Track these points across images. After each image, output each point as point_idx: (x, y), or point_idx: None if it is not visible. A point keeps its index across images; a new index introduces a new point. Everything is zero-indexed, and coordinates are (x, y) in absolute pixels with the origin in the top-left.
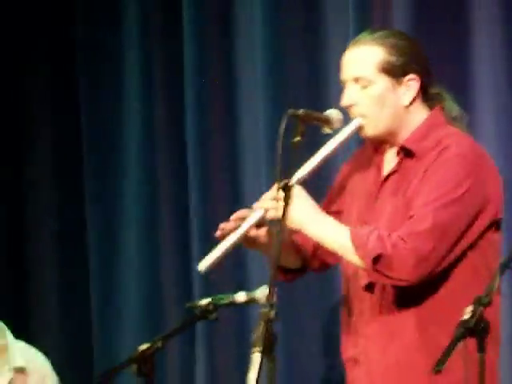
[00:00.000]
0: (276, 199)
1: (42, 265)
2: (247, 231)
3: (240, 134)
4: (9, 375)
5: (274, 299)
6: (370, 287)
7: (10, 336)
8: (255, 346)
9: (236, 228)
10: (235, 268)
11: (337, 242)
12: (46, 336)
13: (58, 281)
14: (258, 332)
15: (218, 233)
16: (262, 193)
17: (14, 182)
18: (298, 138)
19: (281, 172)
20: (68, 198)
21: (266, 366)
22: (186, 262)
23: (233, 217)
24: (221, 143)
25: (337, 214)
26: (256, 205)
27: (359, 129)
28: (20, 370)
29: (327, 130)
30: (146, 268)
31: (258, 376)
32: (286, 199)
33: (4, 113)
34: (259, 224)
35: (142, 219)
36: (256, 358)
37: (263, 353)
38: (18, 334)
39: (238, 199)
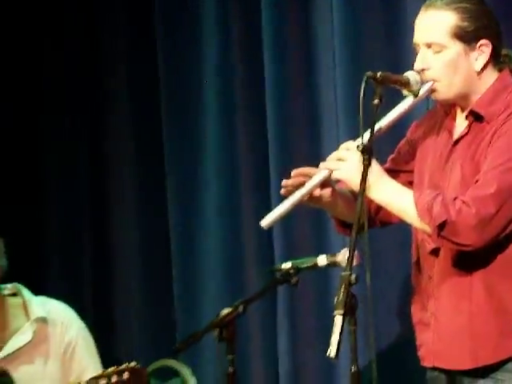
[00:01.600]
0: (342, 159)
1: (123, 228)
2: (312, 191)
3: (318, 95)
4: (32, 328)
5: (355, 262)
6: (435, 252)
7: (27, 293)
8: (337, 309)
9: (300, 185)
10: (316, 231)
11: (401, 208)
12: (127, 302)
13: (139, 244)
14: (339, 295)
15: (283, 190)
16: None
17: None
18: (376, 101)
19: (363, 132)
20: (147, 149)
21: (348, 328)
22: None
23: (294, 172)
24: (299, 104)
25: (405, 174)
26: (322, 165)
27: (431, 92)
28: (42, 321)
29: (406, 93)
30: (226, 232)
31: (340, 339)
32: (364, 162)
33: (83, 62)
34: (324, 184)
35: (222, 181)
36: (338, 320)
37: (344, 316)
38: (102, 302)
39: (318, 160)
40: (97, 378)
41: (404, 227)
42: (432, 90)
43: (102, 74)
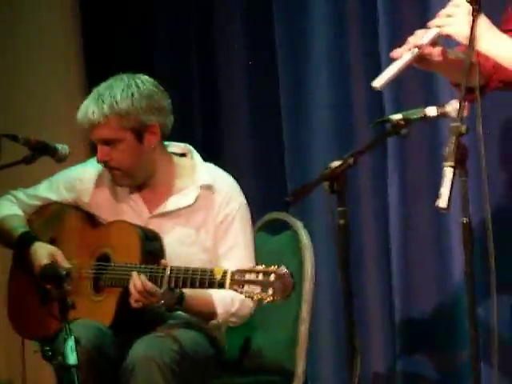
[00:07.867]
0: (451, 15)
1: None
2: (422, 49)
3: None
4: (196, 192)
5: (465, 113)
6: None
7: (197, 157)
8: (447, 161)
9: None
10: (424, 83)
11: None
12: (239, 156)
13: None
14: (449, 146)
15: (393, 54)
16: None
17: None
18: None
19: None
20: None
21: (458, 180)
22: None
23: (410, 39)
24: None
25: None
26: (431, 23)
27: None
28: (207, 188)
29: None
30: (336, 84)
31: (451, 191)
32: (472, 13)
33: None
34: (434, 43)
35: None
36: (448, 172)
37: (455, 167)
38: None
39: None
40: (244, 272)
41: None
42: None
43: None
